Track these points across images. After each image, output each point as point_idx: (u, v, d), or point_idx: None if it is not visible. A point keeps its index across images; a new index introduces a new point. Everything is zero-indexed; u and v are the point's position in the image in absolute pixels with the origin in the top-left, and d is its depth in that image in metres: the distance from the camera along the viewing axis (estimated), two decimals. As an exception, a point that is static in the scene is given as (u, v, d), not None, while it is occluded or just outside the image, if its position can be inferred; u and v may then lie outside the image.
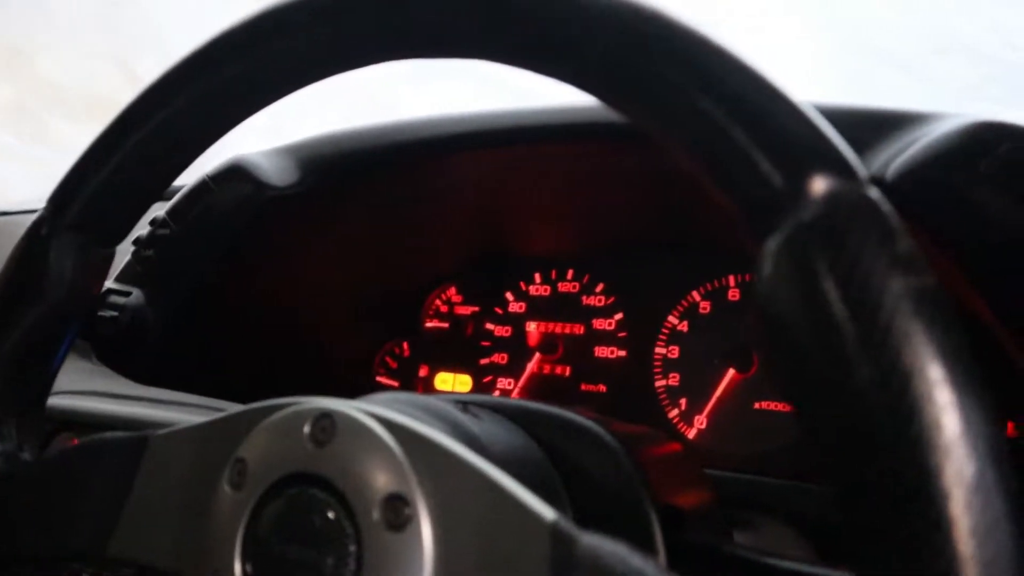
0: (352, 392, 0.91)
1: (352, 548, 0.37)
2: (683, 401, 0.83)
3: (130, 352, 0.76)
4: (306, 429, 0.40)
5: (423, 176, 0.77)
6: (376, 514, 0.37)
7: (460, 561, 0.35)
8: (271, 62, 0.45)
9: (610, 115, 0.70)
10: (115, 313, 0.72)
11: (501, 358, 0.93)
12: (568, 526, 0.34)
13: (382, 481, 0.38)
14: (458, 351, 0.95)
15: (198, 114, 0.48)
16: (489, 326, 0.94)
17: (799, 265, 0.30)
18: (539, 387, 0.90)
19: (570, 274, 0.92)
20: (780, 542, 0.67)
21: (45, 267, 0.50)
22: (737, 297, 0.83)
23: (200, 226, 0.72)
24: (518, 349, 0.92)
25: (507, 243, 0.93)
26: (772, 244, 0.31)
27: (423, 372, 0.97)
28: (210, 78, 0.47)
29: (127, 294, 0.73)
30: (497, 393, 0.92)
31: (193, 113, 0.48)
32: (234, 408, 0.46)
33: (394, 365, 0.99)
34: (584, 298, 0.90)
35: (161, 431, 0.47)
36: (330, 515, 0.38)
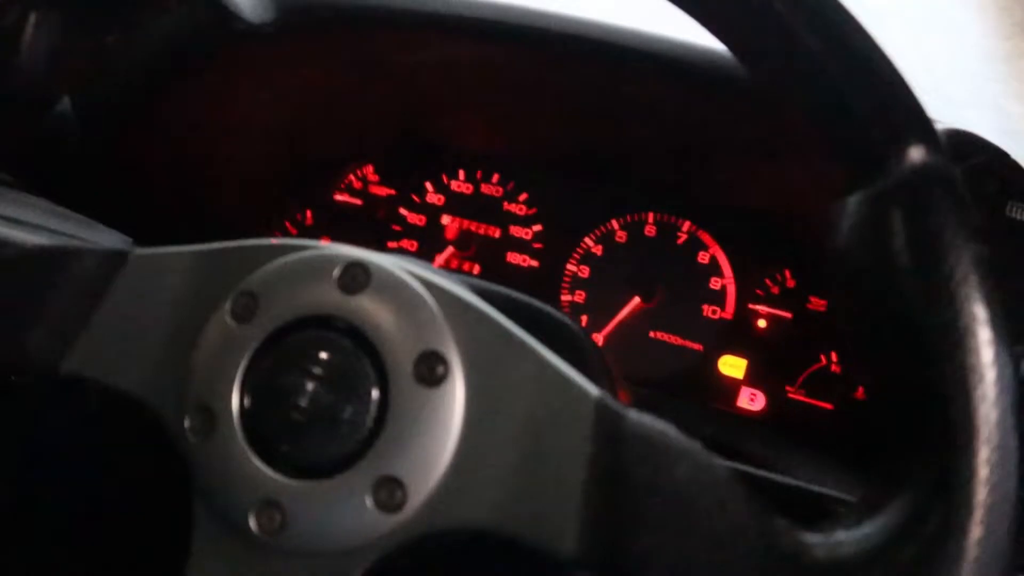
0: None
1: (375, 396, 0.38)
2: (584, 318, 0.88)
3: (44, 162, 0.70)
4: (335, 274, 0.40)
5: (388, 43, 0.75)
6: (408, 367, 0.38)
7: (494, 425, 0.37)
8: None
9: (579, 30, 0.72)
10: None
11: (411, 244, 0.93)
12: (614, 403, 0.36)
13: (418, 336, 0.38)
14: (365, 230, 0.94)
15: None
16: (403, 211, 0.94)
17: (887, 220, 0.34)
18: (447, 280, 0.91)
19: (495, 178, 0.93)
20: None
21: (20, 42, 0.45)
22: (653, 234, 0.88)
23: (149, 44, 0.67)
24: (430, 240, 0.93)
25: (436, 132, 0.93)
26: (861, 197, 0.35)
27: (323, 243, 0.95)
28: None
29: (52, 97, 0.67)
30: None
31: None
32: (233, 241, 0.44)
33: (293, 231, 0.97)
34: (505, 204, 0.92)
35: (142, 250, 0.44)
36: (354, 361, 0.38)
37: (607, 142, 0.85)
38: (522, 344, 0.38)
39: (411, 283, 0.39)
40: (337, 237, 0.95)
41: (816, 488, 0.47)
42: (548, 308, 0.53)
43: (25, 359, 0.42)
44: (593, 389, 0.37)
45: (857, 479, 0.63)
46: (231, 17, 0.66)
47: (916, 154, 0.34)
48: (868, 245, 0.34)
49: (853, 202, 0.35)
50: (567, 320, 0.53)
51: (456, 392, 0.37)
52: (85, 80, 0.59)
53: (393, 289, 0.39)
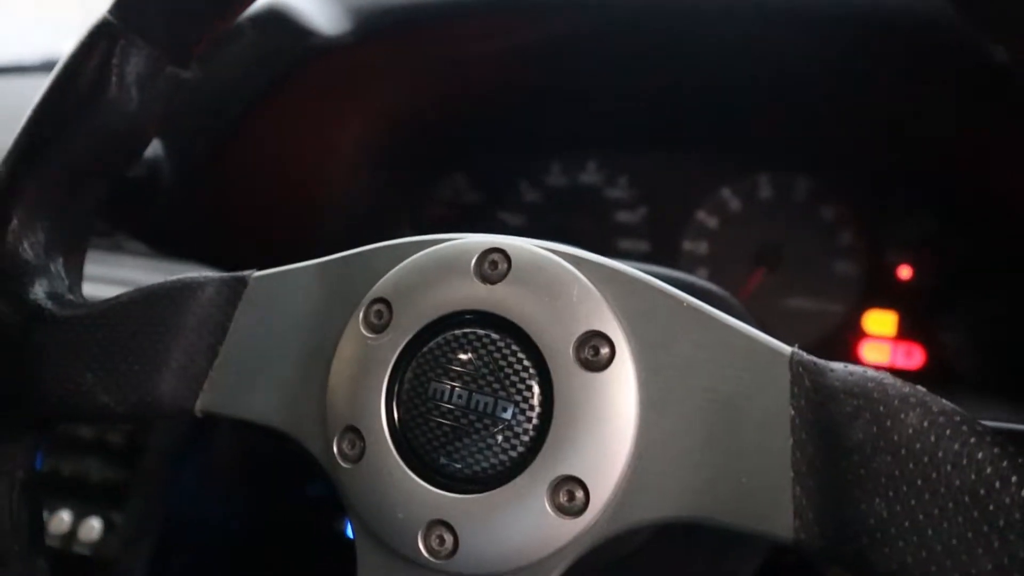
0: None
1: (536, 390, 0.34)
2: (710, 296, 0.82)
3: (142, 209, 0.69)
4: (471, 264, 0.36)
5: (467, 36, 0.72)
6: (569, 353, 0.34)
7: (674, 403, 0.33)
8: None
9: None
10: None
11: (515, 248, 0.89)
12: (811, 357, 0.32)
13: (574, 317, 0.34)
14: (466, 240, 0.91)
15: None
16: (502, 215, 0.91)
17: None
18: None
19: (591, 165, 0.88)
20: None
21: (109, 78, 0.43)
22: (769, 196, 0.82)
23: (230, 73, 0.65)
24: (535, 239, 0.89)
25: (524, 125, 0.89)
26: None
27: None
28: None
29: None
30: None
31: None
32: (352, 250, 0.41)
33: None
34: (606, 191, 0.88)
35: (261, 272, 0.42)
36: (507, 355, 0.34)
37: (704, 106, 0.80)
38: (690, 308, 0.33)
39: (557, 260, 0.35)
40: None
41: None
42: (692, 277, 0.48)
43: (158, 403, 0.40)
44: (784, 346, 0.32)
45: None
46: (307, 33, 0.64)
47: None
48: None
49: None
50: (714, 287, 0.48)
51: (626, 373, 0.33)
52: (171, 118, 0.58)
53: (538, 270, 0.35)
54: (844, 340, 0.78)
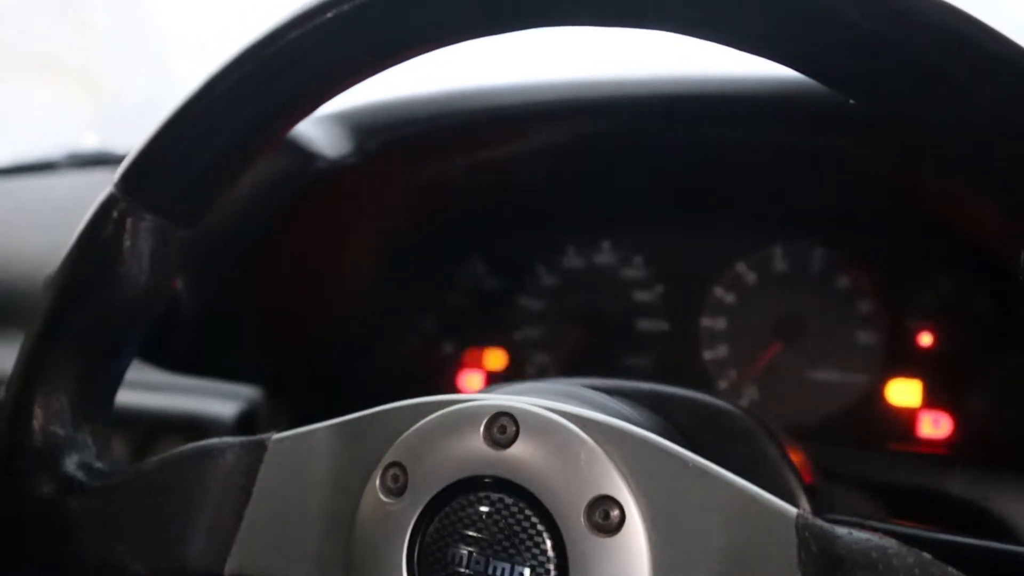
0: (380, 368, 0.86)
1: (552, 555, 0.35)
2: (732, 372, 0.82)
3: (161, 340, 0.71)
4: (481, 429, 0.37)
5: (468, 146, 0.74)
6: (580, 518, 0.34)
7: (687, 566, 0.33)
8: (399, 21, 0.40)
9: (668, 88, 0.68)
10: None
11: (536, 332, 0.91)
12: (817, 521, 0.32)
13: (584, 481, 0.35)
14: (488, 326, 0.92)
15: (294, 82, 0.44)
16: (521, 300, 0.92)
17: None
18: (580, 361, 0.88)
19: (606, 246, 0.89)
20: (858, 509, 0.67)
21: (120, 254, 0.44)
22: (784, 268, 0.83)
23: (241, 204, 0.67)
24: (553, 323, 0.90)
25: (538, 211, 0.90)
26: None
27: (450, 347, 0.94)
28: (312, 45, 0.42)
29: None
30: (534, 368, 0.90)
31: (289, 81, 0.43)
32: (367, 410, 0.42)
33: (418, 340, 0.95)
34: (623, 271, 0.88)
35: (280, 434, 0.43)
36: (521, 520, 0.35)
37: (705, 182, 0.81)
38: (700, 470, 0.34)
39: (564, 423, 0.36)
40: (459, 337, 0.94)
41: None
42: (704, 397, 0.49)
43: (188, 568, 0.41)
44: (789, 508, 0.32)
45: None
46: (312, 157, 0.66)
47: None
48: None
49: None
50: (729, 407, 0.49)
51: (637, 536, 0.34)
52: (188, 267, 0.60)
53: (546, 434, 0.36)
54: (869, 411, 0.78)
